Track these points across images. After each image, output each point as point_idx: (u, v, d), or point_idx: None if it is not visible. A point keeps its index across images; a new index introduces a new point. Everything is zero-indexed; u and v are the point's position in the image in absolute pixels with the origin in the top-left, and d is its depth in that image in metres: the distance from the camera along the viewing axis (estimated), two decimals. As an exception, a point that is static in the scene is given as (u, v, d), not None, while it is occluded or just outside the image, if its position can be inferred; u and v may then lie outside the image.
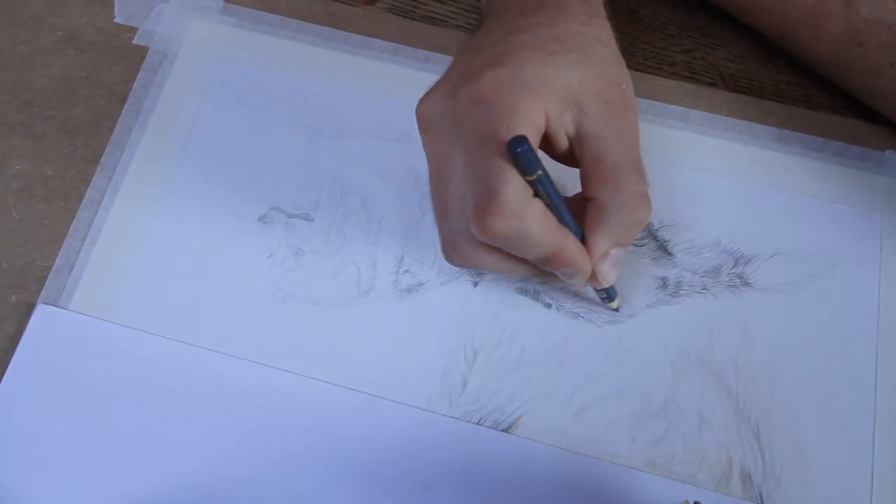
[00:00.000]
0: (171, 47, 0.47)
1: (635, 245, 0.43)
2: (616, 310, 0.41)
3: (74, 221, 0.43)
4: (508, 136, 0.31)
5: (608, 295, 0.40)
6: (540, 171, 0.32)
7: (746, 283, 0.42)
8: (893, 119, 0.44)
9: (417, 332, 0.41)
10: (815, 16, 0.41)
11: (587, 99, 0.34)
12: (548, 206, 0.34)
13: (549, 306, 0.42)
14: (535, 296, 0.42)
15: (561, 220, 0.34)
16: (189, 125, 0.45)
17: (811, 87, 0.46)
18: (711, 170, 0.44)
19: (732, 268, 0.42)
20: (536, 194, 0.33)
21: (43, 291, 0.42)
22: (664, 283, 0.42)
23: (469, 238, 0.34)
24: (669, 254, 0.43)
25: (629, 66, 0.46)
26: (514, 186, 0.32)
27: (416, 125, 0.35)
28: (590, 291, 0.41)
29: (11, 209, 0.44)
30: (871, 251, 0.42)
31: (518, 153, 0.31)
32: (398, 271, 0.42)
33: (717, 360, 0.40)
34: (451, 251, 0.36)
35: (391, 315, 0.41)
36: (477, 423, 0.39)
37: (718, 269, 0.42)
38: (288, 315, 0.41)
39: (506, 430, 0.39)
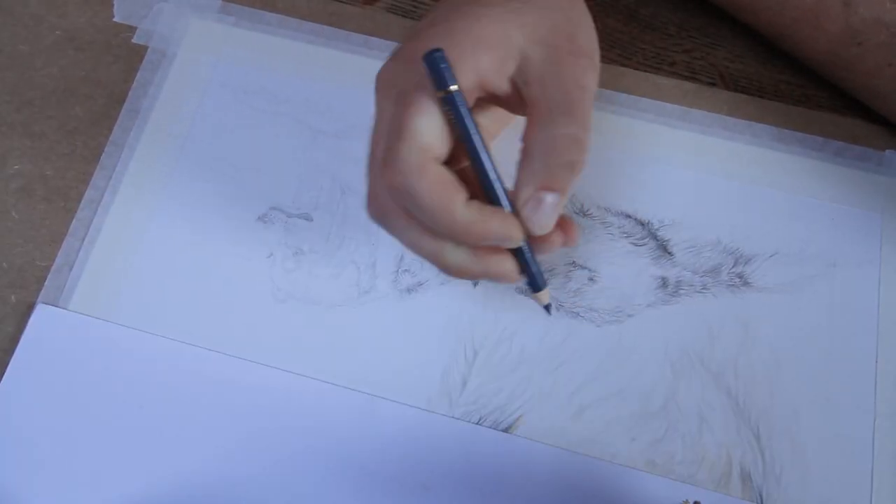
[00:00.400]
0: (170, 46, 0.47)
1: (635, 245, 0.43)
2: (546, 307, 0.37)
3: (74, 221, 0.43)
4: (417, 92, 0.31)
5: (532, 283, 0.35)
6: (453, 88, 0.31)
7: (746, 283, 0.42)
8: (892, 118, 0.44)
9: (417, 332, 0.41)
10: (813, 15, 0.41)
11: (530, 46, 0.33)
12: (461, 136, 0.32)
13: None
14: (535, 296, 0.42)
15: (473, 155, 0.33)
16: (188, 124, 0.45)
17: (811, 87, 0.46)
18: (711, 170, 0.44)
19: (732, 267, 0.42)
20: (450, 119, 0.32)
21: (43, 291, 0.42)
22: (664, 283, 0.42)
23: (382, 194, 0.34)
24: (669, 254, 0.43)
25: (629, 66, 0.46)
26: (409, 144, 0.31)
27: None
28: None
29: (11, 209, 0.44)
30: (871, 251, 0.42)
31: (429, 60, 0.31)
32: (398, 271, 0.42)
33: (717, 360, 0.40)
34: (371, 202, 0.35)
35: (391, 315, 0.41)
36: (477, 423, 0.39)
37: (718, 268, 0.42)
38: (288, 315, 0.41)
39: (506, 430, 0.39)
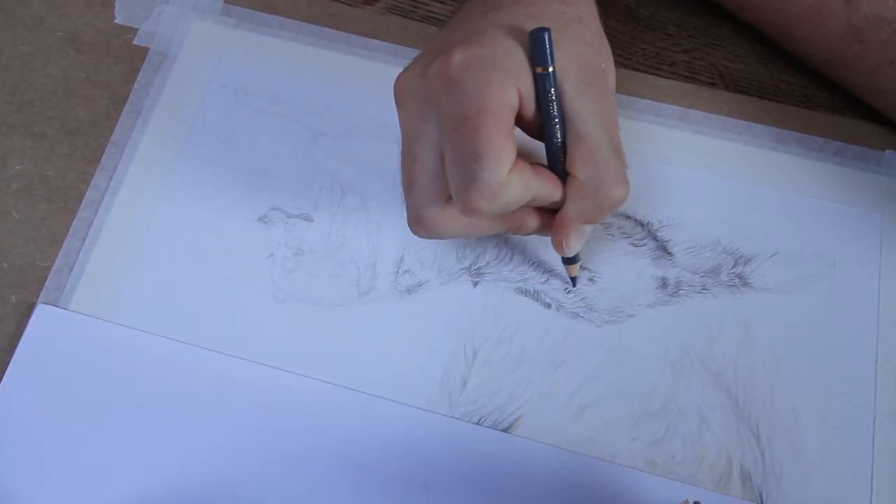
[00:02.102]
0: (171, 48, 0.47)
1: (635, 245, 0.43)
2: (573, 279, 0.41)
3: (74, 221, 0.43)
4: (481, 118, 0.32)
5: (571, 260, 0.40)
6: (552, 68, 0.33)
7: (746, 283, 0.42)
8: (893, 117, 0.44)
9: (417, 333, 0.41)
10: (815, 13, 0.41)
11: (564, 79, 0.34)
12: (541, 109, 0.34)
13: (548, 306, 0.42)
14: (535, 296, 0.42)
15: (548, 128, 0.35)
16: (189, 126, 0.45)
17: (811, 87, 0.46)
18: (711, 170, 0.44)
19: (732, 268, 0.42)
20: (539, 94, 0.34)
21: (43, 291, 0.42)
22: (664, 283, 0.42)
23: (433, 210, 0.35)
24: (669, 254, 0.43)
25: (629, 66, 0.47)
26: (492, 168, 0.32)
27: None
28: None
29: (11, 209, 0.44)
30: (871, 251, 0.42)
31: (538, 37, 0.33)
32: (398, 271, 0.42)
33: (716, 360, 0.40)
34: (416, 224, 0.37)
35: (391, 315, 0.41)
36: (477, 423, 0.39)
37: (718, 269, 0.42)
38: (288, 315, 0.41)
39: (506, 430, 0.39)
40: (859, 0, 0.40)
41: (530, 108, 0.34)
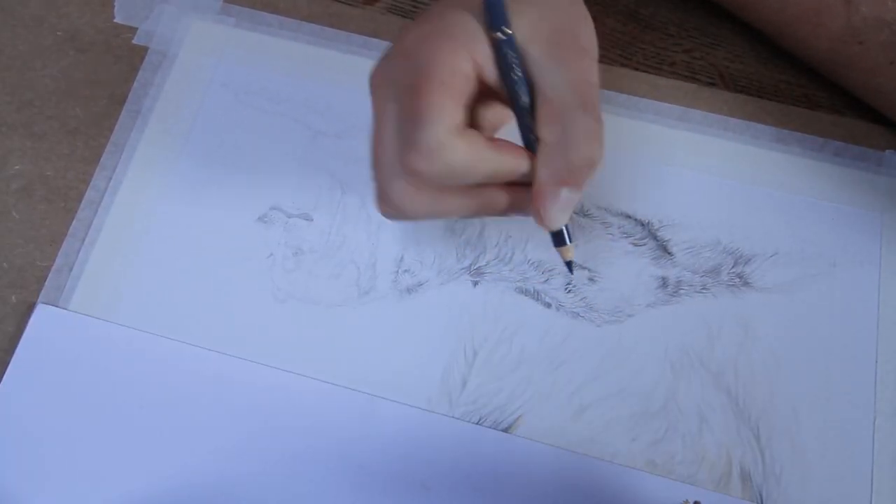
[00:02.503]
0: (170, 47, 0.47)
1: (635, 245, 0.43)
2: (569, 264, 0.37)
3: (75, 222, 0.43)
4: (424, 83, 0.32)
5: (558, 239, 0.37)
6: (509, 32, 0.33)
7: (746, 283, 0.42)
8: (893, 117, 0.44)
9: (417, 332, 0.41)
10: (814, 13, 0.41)
11: (528, 43, 0.33)
12: (503, 75, 0.34)
13: (549, 306, 0.42)
14: (535, 296, 0.42)
15: (513, 98, 0.34)
16: (189, 125, 0.45)
17: (811, 87, 0.46)
18: (711, 170, 0.44)
19: (732, 268, 0.42)
20: (499, 61, 0.33)
21: (43, 291, 0.42)
22: (664, 283, 0.42)
23: (396, 187, 0.34)
24: (669, 254, 0.43)
25: (629, 66, 0.46)
26: (430, 127, 0.32)
27: None
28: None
29: (11, 209, 0.44)
30: (871, 251, 0.42)
31: (489, 4, 0.33)
32: (398, 271, 0.42)
33: (716, 360, 0.40)
34: (382, 202, 0.36)
35: (391, 315, 0.41)
36: (477, 423, 0.39)
37: (718, 268, 0.42)
38: (288, 315, 0.41)
39: (506, 430, 0.39)
40: (858, 1, 0.40)
41: (491, 75, 0.34)
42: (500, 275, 0.42)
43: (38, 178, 0.44)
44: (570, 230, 0.36)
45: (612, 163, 0.44)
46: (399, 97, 0.33)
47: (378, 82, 0.35)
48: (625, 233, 0.43)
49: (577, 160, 0.33)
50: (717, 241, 0.43)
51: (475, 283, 0.42)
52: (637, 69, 0.47)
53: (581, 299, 0.42)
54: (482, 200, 0.35)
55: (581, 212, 0.43)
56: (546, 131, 0.33)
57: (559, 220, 0.35)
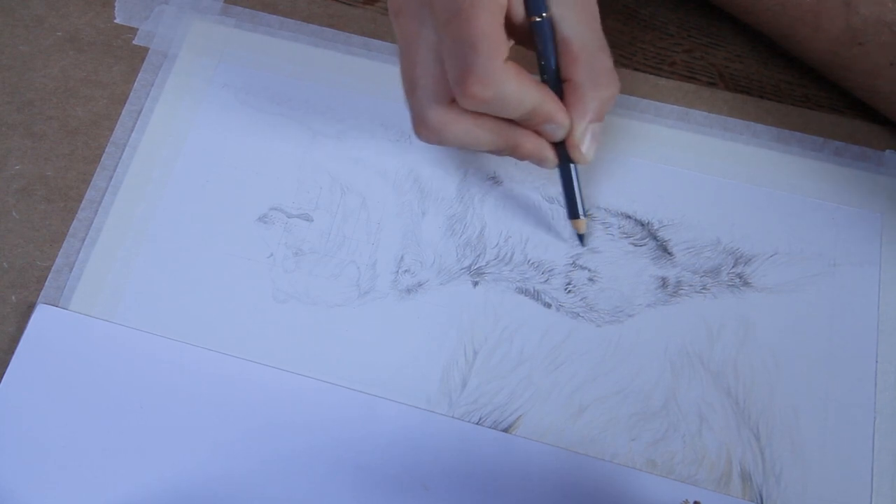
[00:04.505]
0: (171, 48, 0.47)
1: (635, 245, 0.43)
2: (581, 237, 0.42)
3: (75, 221, 0.43)
4: (473, 10, 0.33)
5: (572, 209, 0.41)
6: (545, 14, 0.36)
7: (746, 283, 0.42)
8: (893, 118, 0.44)
9: (417, 332, 0.41)
10: (814, 15, 0.41)
11: None
12: (538, 52, 0.37)
13: (549, 306, 0.42)
14: (535, 296, 0.42)
15: (546, 71, 0.37)
16: (189, 125, 0.45)
17: (811, 87, 0.46)
18: (711, 170, 0.44)
19: (732, 267, 0.42)
20: (533, 39, 0.37)
21: (43, 291, 0.42)
22: (664, 283, 0.42)
23: (437, 111, 0.36)
24: (669, 254, 0.43)
25: (629, 66, 0.47)
26: (487, 55, 0.34)
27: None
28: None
29: (11, 209, 0.44)
30: (871, 251, 0.42)
31: None
32: (398, 271, 0.42)
33: (716, 359, 0.40)
34: (420, 125, 0.37)
35: (391, 315, 0.41)
36: (477, 423, 0.39)
37: (718, 268, 0.42)
38: (288, 315, 0.41)
39: (506, 430, 0.39)
40: (858, 2, 0.40)
41: (518, 12, 0.36)
42: (500, 275, 0.42)
43: (38, 178, 0.44)
44: (584, 203, 0.41)
45: (612, 163, 0.44)
46: (441, 22, 0.34)
47: (402, 7, 0.36)
48: (625, 233, 0.43)
49: (606, 95, 0.37)
50: (717, 241, 0.43)
51: (475, 283, 0.42)
52: (637, 69, 0.47)
53: (581, 299, 0.42)
54: (511, 137, 0.38)
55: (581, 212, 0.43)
56: (574, 71, 0.37)
57: (593, 153, 0.39)
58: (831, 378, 0.40)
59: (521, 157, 0.39)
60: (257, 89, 0.46)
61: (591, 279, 0.42)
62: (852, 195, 0.43)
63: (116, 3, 0.48)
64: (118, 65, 0.47)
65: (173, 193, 0.44)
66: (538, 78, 0.37)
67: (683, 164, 0.44)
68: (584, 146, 0.38)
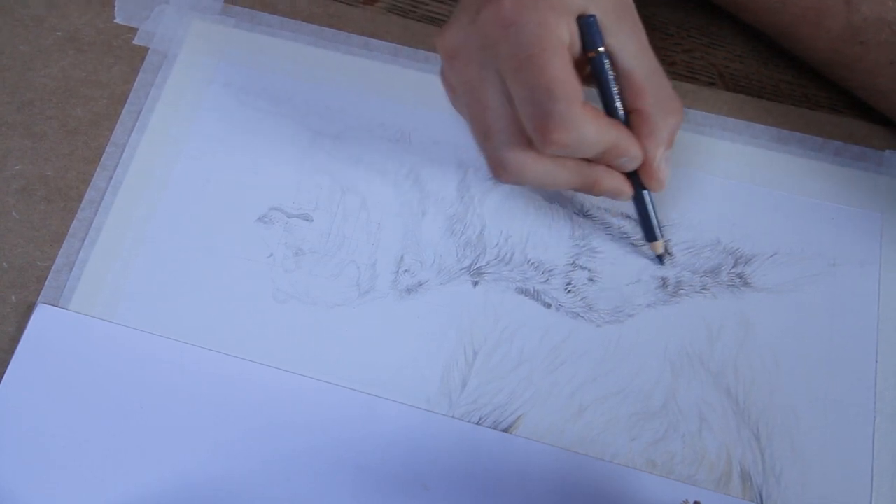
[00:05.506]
0: (171, 48, 0.47)
1: (635, 245, 0.43)
2: (660, 257, 0.42)
3: (75, 221, 0.43)
4: (545, 56, 0.33)
5: (649, 233, 0.41)
6: (602, 49, 0.36)
7: (746, 283, 0.42)
8: (893, 117, 0.44)
9: (417, 333, 0.41)
10: (814, 14, 0.41)
11: (602, 15, 0.36)
12: (601, 86, 0.37)
13: (549, 306, 0.42)
14: (535, 296, 0.42)
15: (610, 103, 0.37)
16: (189, 125, 0.45)
17: (811, 87, 0.46)
18: (711, 170, 0.44)
19: (732, 268, 0.42)
20: (592, 74, 0.37)
21: (43, 291, 0.42)
22: (664, 283, 0.42)
23: (516, 154, 0.36)
24: (669, 254, 0.43)
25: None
26: (566, 101, 0.34)
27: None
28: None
29: (11, 209, 0.44)
30: (871, 251, 0.42)
31: (587, 24, 0.35)
32: (398, 271, 0.42)
33: (716, 360, 0.40)
34: (499, 169, 0.37)
35: (391, 315, 0.41)
36: (477, 423, 0.39)
37: (718, 268, 0.42)
38: (288, 315, 0.41)
39: (506, 430, 0.39)
40: (859, 1, 0.40)
41: (576, 48, 0.36)
42: (500, 275, 0.42)
43: (38, 178, 0.44)
44: (660, 224, 0.41)
45: (612, 163, 0.44)
46: (511, 69, 0.34)
47: (461, 47, 0.36)
48: (625, 233, 0.43)
49: (675, 122, 0.37)
50: (717, 241, 0.43)
51: (475, 284, 0.42)
52: (637, 69, 0.47)
53: (581, 299, 0.42)
54: (590, 175, 0.38)
55: (581, 212, 0.43)
56: (643, 102, 0.37)
57: (667, 178, 0.39)
58: (831, 378, 0.40)
59: (598, 194, 0.39)
60: (257, 89, 0.46)
61: (591, 279, 0.42)
62: (852, 195, 0.43)
63: (116, 3, 0.48)
64: (118, 65, 0.47)
65: (173, 193, 0.44)
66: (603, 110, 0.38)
67: (683, 165, 0.44)
68: (661, 171, 0.38)
